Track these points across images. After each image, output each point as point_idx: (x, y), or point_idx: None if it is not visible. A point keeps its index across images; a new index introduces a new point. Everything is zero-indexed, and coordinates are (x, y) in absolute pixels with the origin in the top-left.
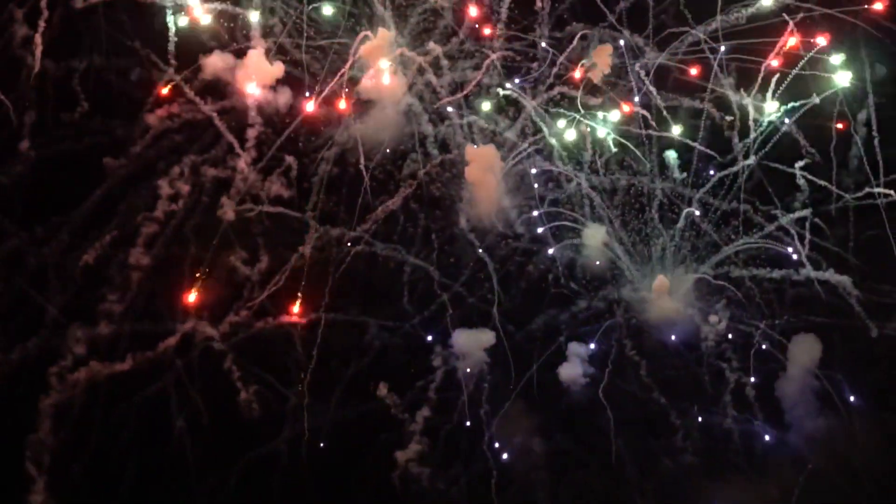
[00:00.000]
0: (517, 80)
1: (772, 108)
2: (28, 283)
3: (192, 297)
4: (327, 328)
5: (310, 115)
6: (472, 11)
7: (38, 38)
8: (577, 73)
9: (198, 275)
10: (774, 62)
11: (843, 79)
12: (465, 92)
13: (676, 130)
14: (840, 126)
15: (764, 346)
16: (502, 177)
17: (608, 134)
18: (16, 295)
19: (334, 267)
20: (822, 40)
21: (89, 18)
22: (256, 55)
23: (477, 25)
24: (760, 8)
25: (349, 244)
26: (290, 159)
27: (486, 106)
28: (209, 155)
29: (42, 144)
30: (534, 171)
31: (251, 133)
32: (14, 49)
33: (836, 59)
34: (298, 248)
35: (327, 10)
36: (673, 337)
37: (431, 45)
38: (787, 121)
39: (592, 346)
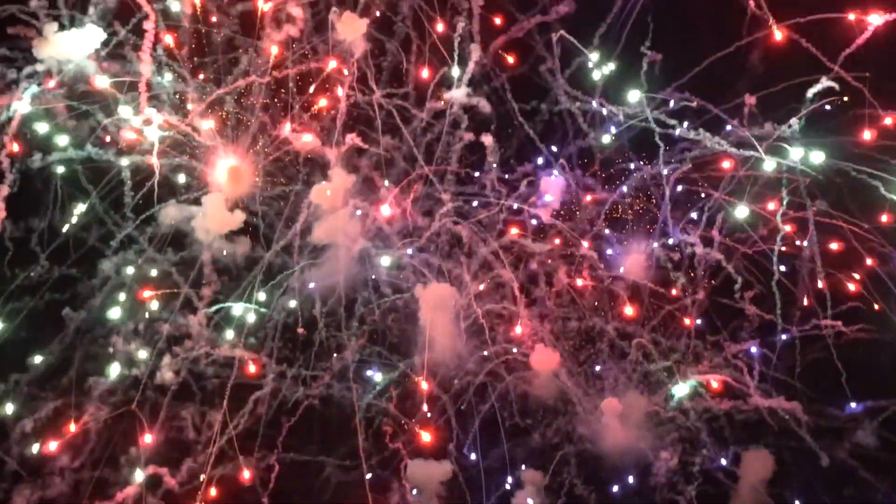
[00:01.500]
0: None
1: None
2: None
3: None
4: (284, 468)
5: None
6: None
7: None
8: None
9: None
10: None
11: None
12: (419, 242)
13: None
14: None
15: (716, 472)
16: (455, 315)
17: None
18: None
19: (290, 410)
20: None
21: (46, 176)
22: (214, 205)
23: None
24: (704, 150)
25: (304, 387)
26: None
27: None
28: (167, 308)
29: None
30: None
31: (209, 281)
32: None
33: None
34: (255, 393)
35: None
36: (626, 466)
37: (384, 191)
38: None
39: (547, 475)
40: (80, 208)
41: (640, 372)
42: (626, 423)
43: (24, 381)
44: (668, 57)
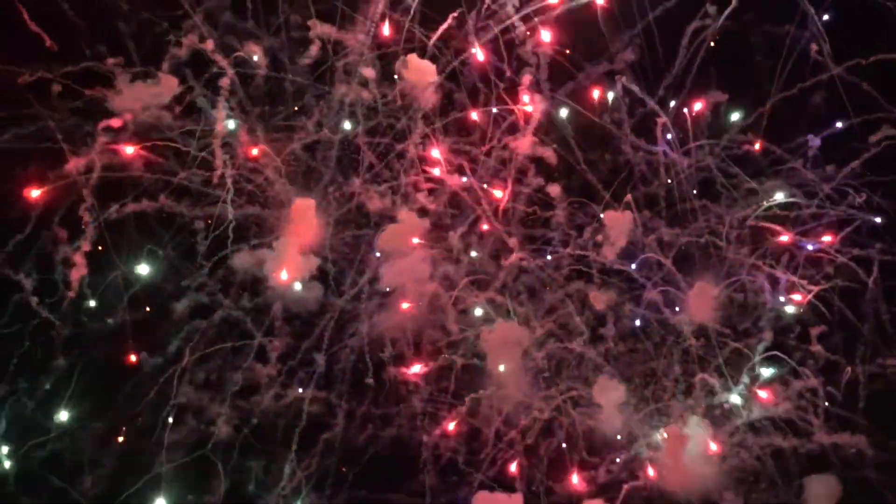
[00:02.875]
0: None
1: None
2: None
3: None
4: None
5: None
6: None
7: (77, 258)
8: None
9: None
10: None
11: None
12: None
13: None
14: None
15: None
16: (521, 355)
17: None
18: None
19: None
20: None
21: (122, 227)
22: (287, 251)
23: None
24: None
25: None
26: (319, 357)
27: None
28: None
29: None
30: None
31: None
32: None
33: None
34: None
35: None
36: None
37: (451, 235)
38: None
39: None
40: (154, 256)
41: (704, 407)
42: (691, 457)
43: (99, 427)
44: (731, 100)
